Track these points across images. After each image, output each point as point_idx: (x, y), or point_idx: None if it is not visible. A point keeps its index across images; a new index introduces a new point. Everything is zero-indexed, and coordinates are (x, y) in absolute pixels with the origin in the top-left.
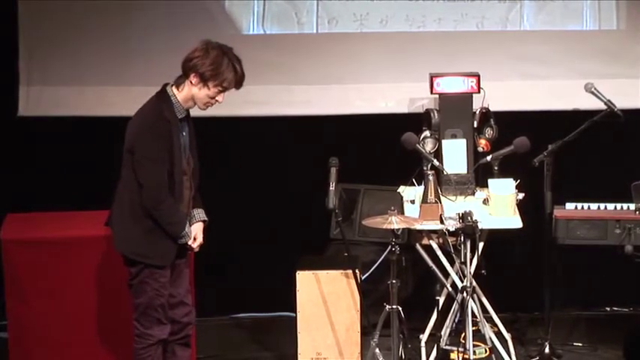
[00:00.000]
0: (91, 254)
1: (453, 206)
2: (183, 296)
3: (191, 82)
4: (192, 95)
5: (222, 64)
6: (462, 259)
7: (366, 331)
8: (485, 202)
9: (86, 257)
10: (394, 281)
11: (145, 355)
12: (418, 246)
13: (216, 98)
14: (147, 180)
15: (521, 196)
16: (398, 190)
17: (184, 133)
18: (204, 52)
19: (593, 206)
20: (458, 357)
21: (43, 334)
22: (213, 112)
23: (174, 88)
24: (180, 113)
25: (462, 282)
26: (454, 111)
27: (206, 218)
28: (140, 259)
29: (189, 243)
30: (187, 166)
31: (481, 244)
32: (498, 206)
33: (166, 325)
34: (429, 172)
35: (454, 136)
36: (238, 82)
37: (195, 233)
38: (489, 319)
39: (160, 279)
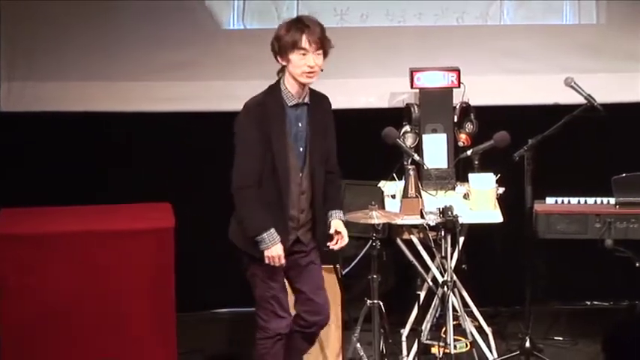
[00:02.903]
0: (89, 251)
1: (434, 201)
2: (310, 292)
3: (283, 64)
4: (291, 74)
5: (288, 31)
6: (443, 254)
7: (347, 326)
8: (466, 196)
9: (84, 254)
10: (375, 276)
11: (260, 346)
12: (399, 241)
13: (307, 64)
14: (235, 163)
15: (501, 190)
16: (378, 185)
17: (300, 124)
18: (276, 30)
19: (574, 200)
20: (439, 351)
21: (37, 330)
22: (194, 107)
23: (282, 77)
24: (291, 100)
25: (443, 276)
26: (434, 106)
27: (342, 219)
28: (243, 248)
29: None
30: (298, 158)
31: (462, 239)
32: (479, 201)
33: (284, 318)
34: (409, 167)
35: (434, 131)
36: (313, 40)
37: (336, 231)
38: (470, 314)
39: (266, 271)
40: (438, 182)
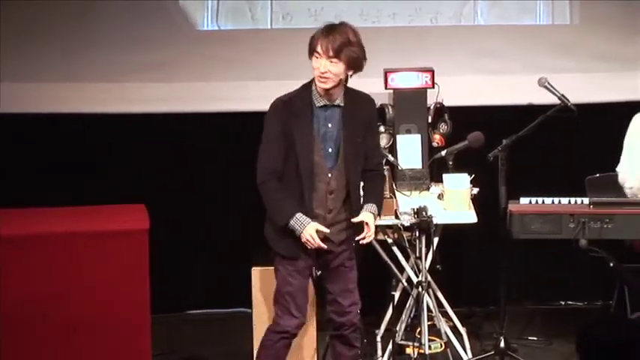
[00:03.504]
0: (62, 252)
1: (408, 201)
2: (337, 295)
3: None
4: None
5: (313, 36)
6: (417, 254)
7: (322, 327)
8: (440, 197)
9: (58, 255)
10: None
11: (266, 337)
12: (373, 241)
13: (318, 68)
14: (258, 158)
15: (475, 190)
16: None
17: (330, 125)
18: None
19: (548, 201)
20: (413, 352)
21: (11, 331)
22: (170, 108)
23: (313, 79)
24: (319, 101)
25: (417, 277)
26: (408, 106)
27: (373, 212)
28: (270, 243)
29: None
30: (326, 158)
31: (436, 239)
32: (453, 201)
33: (296, 318)
34: (383, 167)
35: (408, 132)
36: (327, 47)
37: (365, 222)
38: (445, 314)
39: (287, 267)
40: (412, 183)
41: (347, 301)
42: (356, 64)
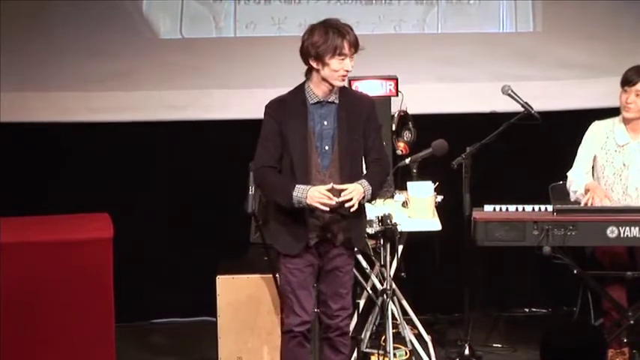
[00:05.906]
0: (26, 262)
1: (373, 209)
2: (329, 297)
3: (314, 67)
4: (323, 77)
5: (327, 36)
6: (382, 262)
7: None
8: (405, 204)
9: (22, 265)
10: (314, 285)
11: (281, 341)
12: None
13: (344, 68)
14: (255, 156)
15: (440, 198)
16: None
17: (326, 122)
18: (308, 34)
19: (512, 208)
20: (378, 359)
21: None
22: (132, 117)
23: (308, 78)
24: (313, 98)
25: (382, 285)
26: None
27: (361, 183)
28: (272, 241)
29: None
30: (322, 156)
31: (401, 247)
32: (417, 209)
33: (299, 316)
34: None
35: None
36: (352, 44)
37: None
38: (409, 322)
39: (288, 265)
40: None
41: (336, 305)
42: None
